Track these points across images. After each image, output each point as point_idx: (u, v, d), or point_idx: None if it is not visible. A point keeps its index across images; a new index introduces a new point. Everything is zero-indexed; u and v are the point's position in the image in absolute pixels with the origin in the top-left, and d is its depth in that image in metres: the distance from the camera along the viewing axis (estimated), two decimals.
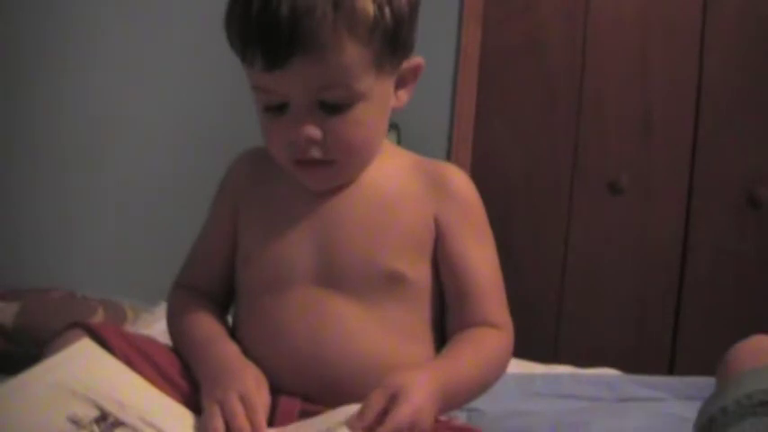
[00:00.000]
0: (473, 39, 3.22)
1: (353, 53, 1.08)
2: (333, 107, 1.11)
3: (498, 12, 3.24)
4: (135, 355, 1.12)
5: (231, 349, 1.18)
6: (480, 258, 1.22)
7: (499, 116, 3.29)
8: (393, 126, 3.06)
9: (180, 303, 1.29)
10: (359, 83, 1.11)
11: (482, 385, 1.19)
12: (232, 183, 1.31)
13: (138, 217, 2.70)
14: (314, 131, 1.11)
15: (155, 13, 2.67)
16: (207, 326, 1.23)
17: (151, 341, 1.21)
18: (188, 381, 1.14)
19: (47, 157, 2.52)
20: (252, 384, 1.09)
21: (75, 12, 2.57)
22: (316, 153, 1.13)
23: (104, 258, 2.67)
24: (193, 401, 1.12)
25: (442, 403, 1.08)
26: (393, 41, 1.12)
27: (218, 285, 1.30)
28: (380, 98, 1.16)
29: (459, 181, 1.24)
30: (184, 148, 2.81)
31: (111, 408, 1.01)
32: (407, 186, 1.22)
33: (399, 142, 3.07)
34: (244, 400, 1.06)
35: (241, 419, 1.04)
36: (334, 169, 1.17)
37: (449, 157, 3.32)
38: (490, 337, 1.19)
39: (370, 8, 1.08)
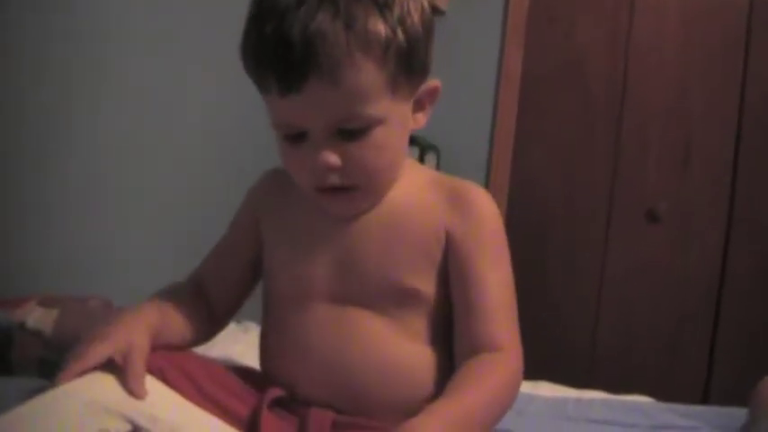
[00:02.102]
0: (514, 64, 3.24)
1: (368, 75, 1.07)
2: (351, 133, 1.11)
3: (540, 38, 3.26)
4: (169, 368, 1.12)
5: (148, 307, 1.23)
6: (490, 275, 1.18)
7: (538, 142, 3.30)
8: (432, 148, 3.08)
9: (172, 285, 1.31)
10: (375, 106, 1.10)
11: (495, 417, 1.12)
12: (255, 195, 1.34)
13: (176, 232, 2.73)
14: (333, 159, 1.11)
15: (181, 25, 2.69)
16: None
17: (187, 354, 1.21)
18: (224, 394, 1.15)
19: (84, 171, 2.55)
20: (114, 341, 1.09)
21: (104, 30, 2.60)
22: (336, 180, 1.13)
23: (140, 270, 2.70)
24: (230, 415, 1.12)
25: None
26: (408, 62, 1.12)
27: (222, 283, 1.33)
28: (399, 121, 1.16)
29: (477, 197, 1.22)
30: (223, 166, 2.84)
31: (144, 422, 1.01)
32: (420, 199, 1.22)
33: (438, 165, 3.09)
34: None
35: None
36: (356, 195, 1.17)
37: (487, 181, 3.33)
38: (495, 365, 1.13)
39: (382, 28, 1.07)
